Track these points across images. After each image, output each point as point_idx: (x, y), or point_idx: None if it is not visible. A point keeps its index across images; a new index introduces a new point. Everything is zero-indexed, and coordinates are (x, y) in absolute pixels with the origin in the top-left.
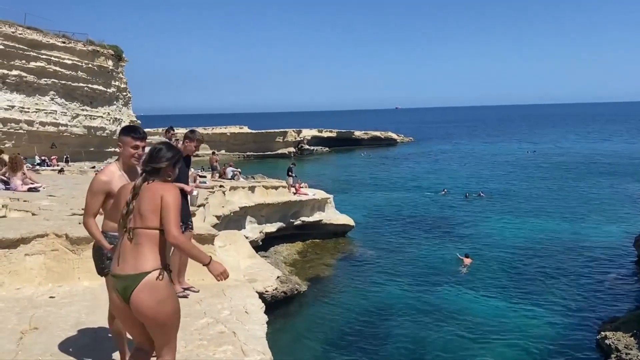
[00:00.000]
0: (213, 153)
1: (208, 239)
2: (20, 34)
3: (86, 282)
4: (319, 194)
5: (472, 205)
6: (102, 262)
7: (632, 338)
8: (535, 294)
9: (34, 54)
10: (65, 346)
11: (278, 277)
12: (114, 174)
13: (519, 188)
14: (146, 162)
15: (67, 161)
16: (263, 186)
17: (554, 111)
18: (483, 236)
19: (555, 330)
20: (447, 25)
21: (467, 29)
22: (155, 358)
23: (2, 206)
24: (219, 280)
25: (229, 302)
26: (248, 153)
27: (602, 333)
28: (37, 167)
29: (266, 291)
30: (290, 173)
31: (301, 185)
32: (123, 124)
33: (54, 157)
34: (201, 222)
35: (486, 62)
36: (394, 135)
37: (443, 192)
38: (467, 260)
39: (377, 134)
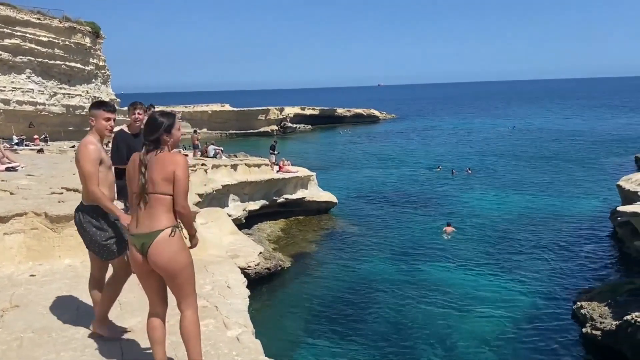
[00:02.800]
0: (195, 132)
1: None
2: None
3: (67, 260)
4: (302, 172)
5: (457, 182)
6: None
7: (606, 307)
8: (514, 266)
9: (8, 31)
10: (46, 323)
11: (260, 252)
12: (97, 143)
13: (501, 164)
14: (147, 135)
15: (46, 141)
16: (245, 164)
17: (527, 87)
18: (466, 211)
19: (533, 301)
20: (426, 3)
21: (445, 7)
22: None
23: None
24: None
25: (211, 277)
26: (230, 131)
27: (578, 303)
28: (15, 146)
29: (248, 266)
30: (272, 151)
31: (285, 163)
32: None
33: (37, 136)
34: None
35: (464, 40)
36: (377, 113)
37: (438, 169)
38: (449, 229)
39: (360, 111)
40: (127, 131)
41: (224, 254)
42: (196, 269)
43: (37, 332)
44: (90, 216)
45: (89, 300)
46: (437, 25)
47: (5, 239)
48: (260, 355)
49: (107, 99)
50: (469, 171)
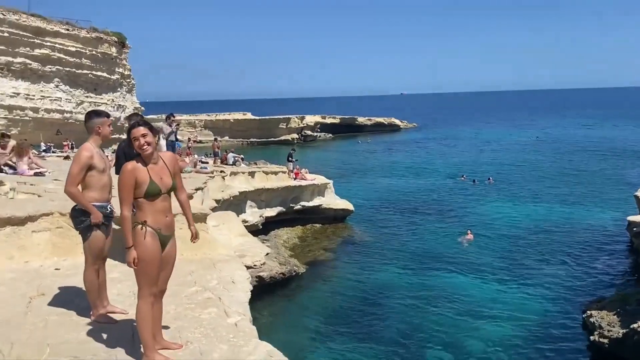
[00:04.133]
0: (215, 139)
1: (200, 218)
2: (24, 21)
3: None
4: (319, 179)
5: (477, 191)
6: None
7: (615, 316)
8: (529, 275)
9: (38, 41)
10: (69, 308)
11: (267, 253)
12: (93, 150)
13: (522, 173)
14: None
15: (72, 147)
16: (263, 172)
17: (550, 97)
18: (484, 220)
19: (546, 310)
20: (450, 13)
21: (469, 16)
22: None
23: (10, 189)
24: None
25: (218, 273)
26: (251, 139)
27: (588, 312)
28: (43, 153)
29: (254, 265)
30: (290, 159)
31: (302, 171)
32: (127, 111)
33: (66, 142)
34: (198, 204)
35: (489, 49)
36: (397, 122)
37: (462, 178)
38: (470, 236)
39: (381, 120)
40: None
41: (232, 253)
42: (205, 266)
43: (60, 316)
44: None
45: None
46: (461, 34)
47: (34, 236)
48: (254, 337)
49: (131, 107)
50: (491, 180)
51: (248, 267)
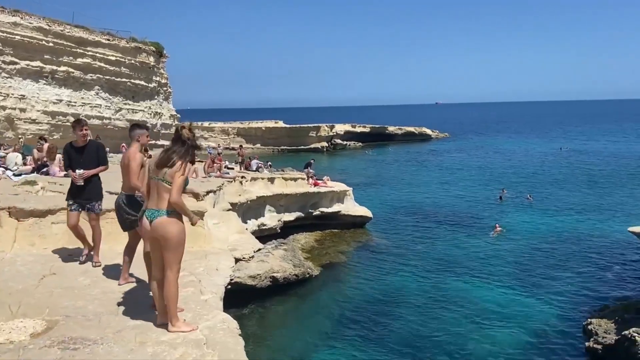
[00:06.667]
0: (240, 147)
1: (197, 215)
2: (68, 32)
3: None
4: (338, 186)
5: (499, 203)
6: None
7: (612, 324)
8: (542, 283)
9: (81, 51)
10: (72, 284)
11: (259, 249)
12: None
13: (547, 184)
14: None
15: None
16: (282, 178)
17: (594, 108)
18: (505, 231)
19: (552, 317)
20: (488, 18)
21: (509, 22)
22: None
23: (41, 188)
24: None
25: (206, 262)
26: (282, 147)
27: (589, 319)
28: None
29: (243, 257)
30: (308, 168)
31: (317, 179)
32: (163, 118)
33: (107, 148)
34: (210, 207)
35: (526, 57)
36: (428, 131)
37: (502, 193)
38: (498, 229)
39: (411, 129)
40: (74, 145)
41: (225, 247)
42: (198, 257)
43: (65, 289)
44: (125, 202)
45: (106, 272)
46: (500, 41)
47: (53, 227)
48: (218, 309)
49: (168, 114)
50: (530, 198)
51: (237, 260)
